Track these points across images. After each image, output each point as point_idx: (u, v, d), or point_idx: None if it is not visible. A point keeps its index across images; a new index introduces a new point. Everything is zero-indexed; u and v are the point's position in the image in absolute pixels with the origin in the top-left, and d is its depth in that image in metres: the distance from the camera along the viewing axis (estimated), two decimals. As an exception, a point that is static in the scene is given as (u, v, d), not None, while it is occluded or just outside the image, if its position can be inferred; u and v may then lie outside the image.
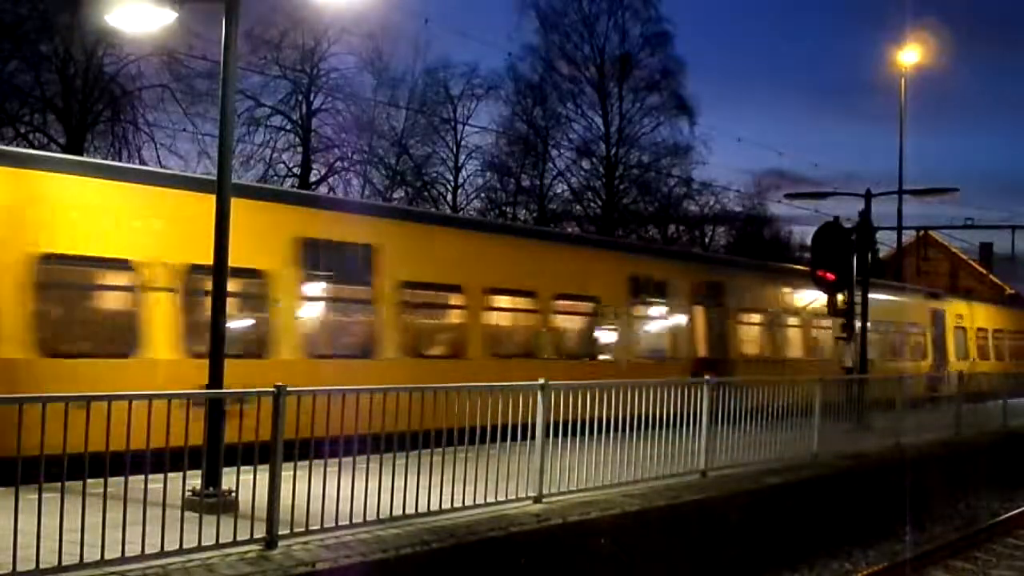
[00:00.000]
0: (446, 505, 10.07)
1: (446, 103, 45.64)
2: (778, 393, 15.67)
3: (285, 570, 8.10)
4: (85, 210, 12.92)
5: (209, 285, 10.41)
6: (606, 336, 20.92)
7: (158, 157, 32.82)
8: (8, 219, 12.20)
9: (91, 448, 7.61)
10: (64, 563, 7.35)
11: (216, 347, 10.02)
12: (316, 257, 15.35)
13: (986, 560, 14.91)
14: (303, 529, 8.85)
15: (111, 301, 13.84)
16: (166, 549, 7.93)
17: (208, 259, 10.31)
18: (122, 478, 7.93)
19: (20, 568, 7.11)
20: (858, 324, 22.07)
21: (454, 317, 18.06)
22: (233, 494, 9.34)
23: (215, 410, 9.40)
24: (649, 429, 12.71)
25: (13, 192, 12.31)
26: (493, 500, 10.59)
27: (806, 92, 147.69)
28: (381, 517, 9.45)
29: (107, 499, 7.80)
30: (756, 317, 25.74)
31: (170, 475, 8.38)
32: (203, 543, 8.19)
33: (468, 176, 46.88)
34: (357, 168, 41.17)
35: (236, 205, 10.41)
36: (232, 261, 10.30)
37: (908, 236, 46.29)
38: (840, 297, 21.63)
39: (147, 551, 7.82)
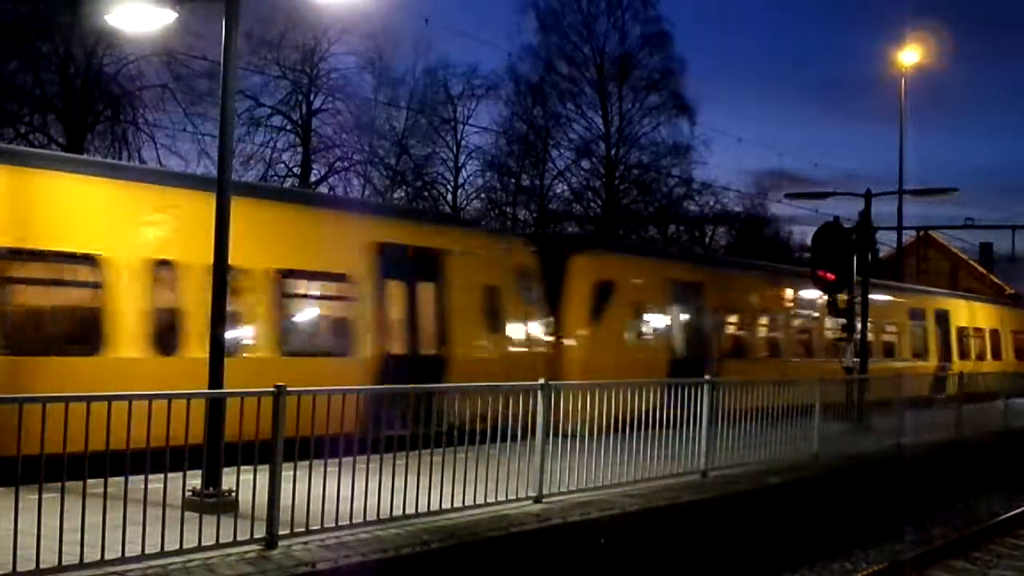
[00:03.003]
0: (446, 505, 10.08)
1: (446, 103, 45.71)
2: (778, 393, 15.68)
3: (285, 570, 8.10)
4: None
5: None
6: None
7: (158, 157, 32.86)
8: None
9: (91, 448, 7.62)
10: (64, 563, 7.35)
11: (216, 347, 10.02)
12: None
13: (986, 560, 14.91)
14: (303, 529, 8.85)
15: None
16: (166, 549, 7.93)
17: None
18: (122, 478, 7.94)
19: (20, 568, 7.12)
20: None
21: None
22: (233, 494, 9.35)
23: (215, 410, 9.40)
24: (649, 429, 12.72)
25: None
26: (493, 500, 10.59)
27: (806, 92, 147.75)
28: (381, 517, 9.45)
29: (107, 499, 7.81)
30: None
31: (170, 475, 8.39)
32: (203, 543, 8.19)
33: (468, 176, 47.00)
34: (357, 168, 41.23)
35: None
36: None
37: (908, 236, 46.29)
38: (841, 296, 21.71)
39: (147, 551, 7.82)
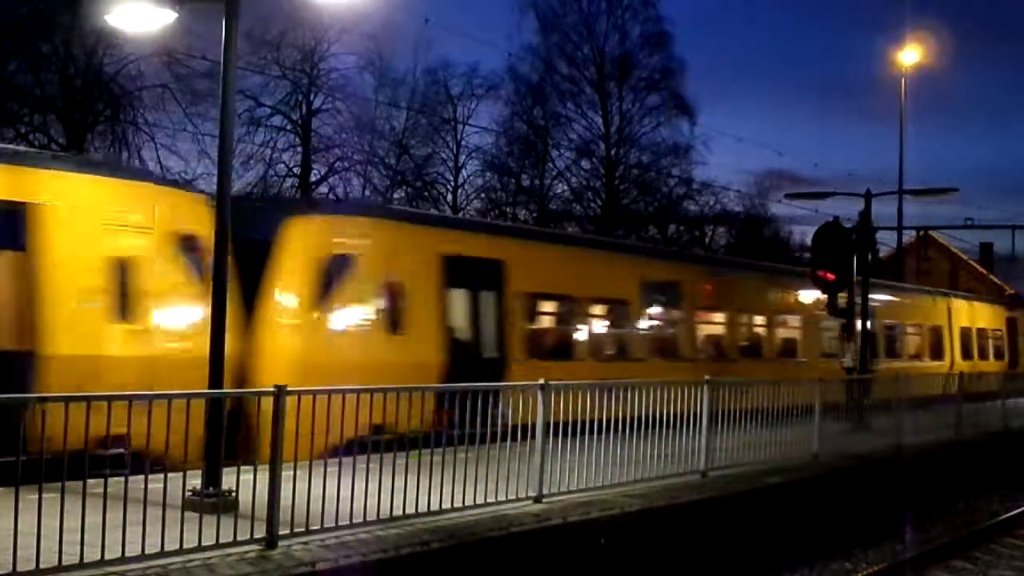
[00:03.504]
0: (446, 505, 10.08)
1: (446, 103, 45.72)
2: (778, 393, 15.68)
3: (285, 570, 8.11)
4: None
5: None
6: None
7: (158, 157, 32.87)
8: None
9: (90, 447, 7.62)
10: (64, 563, 7.35)
11: (216, 347, 10.03)
12: None
13: (986, 560, 14.92)
14: (303, 529, 8.85)
15: None
16: (166, 549, 7.93)
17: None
18: (122, 478, 7.94)
19: (20, 568, 7.12)
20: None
21: None
22: (233, 494, 9.35)
23: (215, 410, 9.41)
24: (649, 429, 12.71)
25: None
26: (493, 500, 10.59)
27: (806, 92, 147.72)
28: (381, 517, 9.45)
29: (107, 499, 7.81)
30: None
31: (170, 475, 8.39)
32: (203, 543, 8.19)
33: (468, 176, 47.00)
34: (357, 168, 41.22)
35: None
36: None
37: (908, 236, 46.28)
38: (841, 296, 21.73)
39: (147, 551, 7.82)
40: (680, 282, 22.76)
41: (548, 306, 19.60)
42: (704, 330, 23.73)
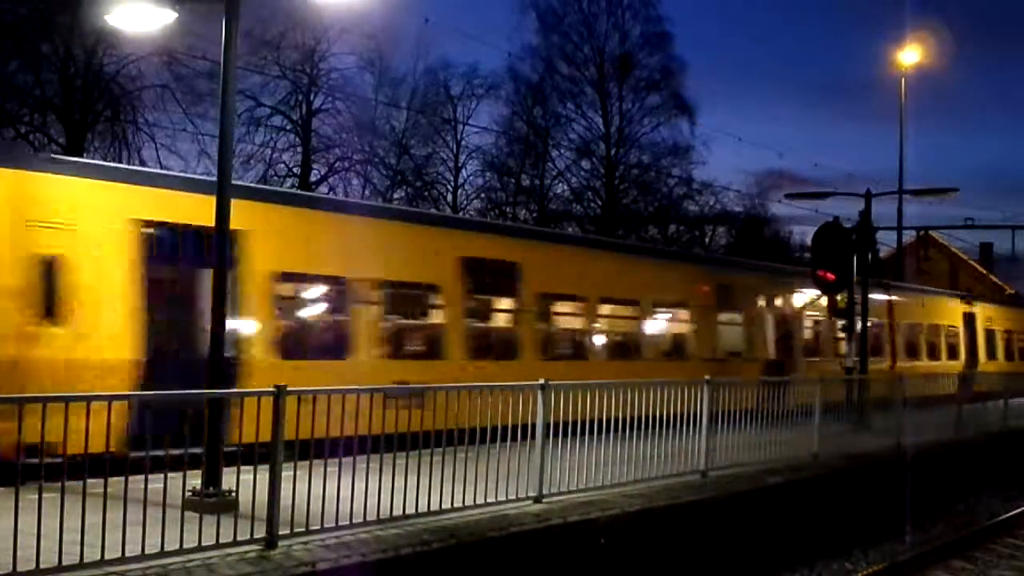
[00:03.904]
0: (446, 505, 10.08)
1: (446, 103, 45.77)
2: (778, 393, 15.67)
3: (285, 570, 8.11)
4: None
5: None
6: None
7: (158, 157, 32.89)
8: None
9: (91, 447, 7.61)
10: (64, 563, 7.35)
11: (216, 347, 10.03)
12: None
13: (986, 560, 14.91)
14: (303, 529, 8.86)
15: None
16: (166, 549, 7.93)
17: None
18: (122, 478, 7.94)
19: (20, 568, 7.12)
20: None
21: None
22: (233, 494, 9.35)
23: (215, 410, 9.41)
24: (649, 429, 12.70)
25: None
26: (493, 500, 10.59)
27: (806, 92, 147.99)
28: (381, 517, 9.45)
29: (107, 499, 7.81)
30: None
31: (170, 475, 8.39)
32: (203, 543, 8.20)
33: (468, 176, 47.04)
34: (357, 168, 41.23)
35: None
36: None
37: (908, 236, 46.24)
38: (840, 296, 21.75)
39: (147, 551, 7.83)
40: (518, 264, 18.65)
41: (311, 291, 15.75)
42: (550, 323, 19.68)
